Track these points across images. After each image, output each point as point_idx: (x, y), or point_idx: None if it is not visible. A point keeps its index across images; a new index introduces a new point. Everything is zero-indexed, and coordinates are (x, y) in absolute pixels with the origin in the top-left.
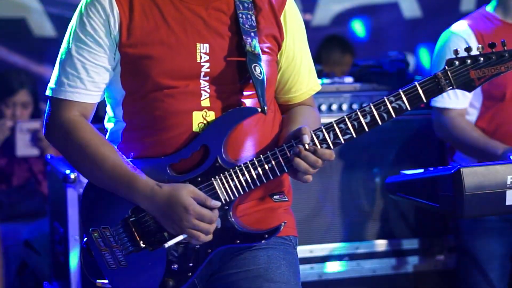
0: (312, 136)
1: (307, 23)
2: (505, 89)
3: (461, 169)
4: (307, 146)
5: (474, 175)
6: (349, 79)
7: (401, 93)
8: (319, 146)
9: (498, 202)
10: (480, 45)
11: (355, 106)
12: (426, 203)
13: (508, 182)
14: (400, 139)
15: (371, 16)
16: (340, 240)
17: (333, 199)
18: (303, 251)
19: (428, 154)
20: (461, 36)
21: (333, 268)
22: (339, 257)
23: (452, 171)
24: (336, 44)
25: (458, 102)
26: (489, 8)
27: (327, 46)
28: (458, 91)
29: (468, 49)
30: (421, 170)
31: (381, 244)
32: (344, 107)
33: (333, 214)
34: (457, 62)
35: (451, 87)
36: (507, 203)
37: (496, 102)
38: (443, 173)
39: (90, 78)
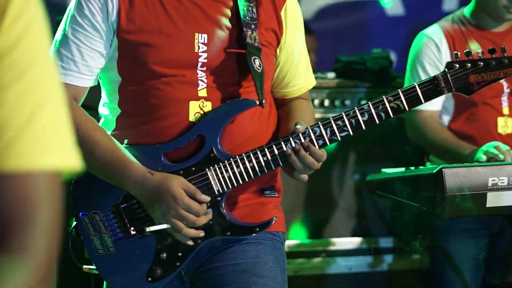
0: (309, 131)
1: None
2: (476, 95)
3: (443, 170)
4: (302, 139)
5: (455, 176)
6: (331, 75)
7: (400, 93)
8: (315, 142)
9: (478, 203)
10: (480, 50)
11: (337, 102)
12: (406, 202)
13: (489, 184)
14: (381, 137)
15: (354, 12)
16: (316, 236)
17: (311, 196)
18: None
19: (409, 153)
20: (432, 39)
21: (309, 264)
22: (315, 254)
23: (434, 171)
24: None
25: (431, 104)
26: (466, 11)
27: None
28: None
29: (468, 53)
30: (402, 169)
31: (357, 242)
32: (326, 102)
33: (310, 211)
34: (457, 65)
35: (450, 90)
36: (488, 205)
37: (469, 106)
38: (424, 173)
39: (84, 62)
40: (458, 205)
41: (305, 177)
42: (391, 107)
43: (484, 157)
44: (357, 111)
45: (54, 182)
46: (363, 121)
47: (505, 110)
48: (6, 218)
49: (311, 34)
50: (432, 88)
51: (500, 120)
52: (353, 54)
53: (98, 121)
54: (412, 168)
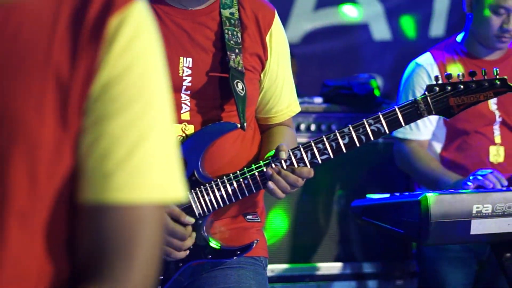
0: (290, 155)
1: None
2: (468, 123)
3: (427, 196)
4: (284, 165)
5: (440, 203)
6: (318, 100)
7: (381, 116)
8: (296, 165)
9: (463, 230)
10: (461, 73)
11: (323, 127)
12: (391, 228)
13: (474, 211)
14: (367, 163)
15: (341, 37)
16: (301, 260)
17: (297, 220)
18: None
19: (395, 179)
20: (424, 67)
21: None
22: (300, 278)
23: (419, 198)
24: None
25: (420, 133)
26: (459, 38)
27: None
28: (420, 122)
29: (448, 76)
30: (387, 195)
31: (342, 267)
32: (313, 127)
33: (295, 235)
34: (437, 88)
35: (430, 113)
36: (472, 232)
37: (460, 134)
38: (409, 199)
39: None
40: (442, 232)
41: (283, 195)
42: (371, 130)
43: (471, 185)
44: (337, 134)
45: (154, 215)
46: (344, 144)
47: (497, 139)
48: (101, 249)
49: (293, 58)
50: (412, 111)
51: (492, 149)
52: (340, 79)
53: None
54: (397, 194)
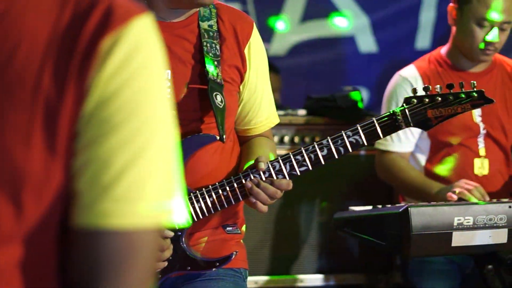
0: (268, 167)
1: None
2: (452, 135)
3: (409, 208)
4: (263, 177)
5: (421, 215)
6: (302, 112)
7: (359, 128)
8: (275, 177)
9: (444, 243)
10: (439, 85)
11: (307, 139)
12: (373, 240)
13: (455, 224)
14: (350, 175)
15: (327, 49)
16: (285, 272)
17: (280, 231)
18: (248, 282)
19: (377, 191)
20: (408, 80)
21: None
22: None
23: (400, 210)
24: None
25: (401, 145)
26: (443, 51)
27: None
28: (402, 135)
29: (426, 89)
30: (370, 207)
31: (325, 278)
32: (296, 139)
33: (279, 247)
34: (415, 101)
35: (408, 125)
36: (453, 244)
37: (445, 147)
38: (390, 211)
39: None
40: (423, 244)
41: (265, 208)
42: (350, 142)
43: (454, 197)
44: (316, 146)
45: (146, 240)
46: (322, 156)
47: (482, 151)
48: (93, 274)
49: (276, 73)
50: (390, 123)
51: (477, 162)
52: (324, 92)
53: None
54: (379, 206)
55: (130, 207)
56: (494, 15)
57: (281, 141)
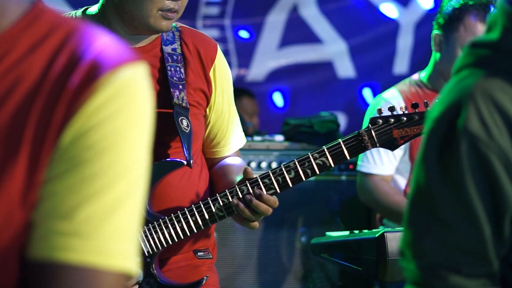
0: (236, 190)
1: (241, 78)
2: None
3: (385, 234)
4: (231, 196)
5: (398, 240)
6: (279, 138)
7: (325, 150)
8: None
9: None
10: (403, 105)
11: None
12: (349, 265)
13: None
14: (330, 199)
15: (305, 74)
16: None
17: (258, 257)
18: None
19: (356, 216)
20: (390, 102)
21: None
22: None
23: (376, 235)
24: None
25: (383, 168)
26: (423, 75)
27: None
28: (384, 157)
29: (391, 108)
30: (347, 233)
31: None
32: (274, 165)
33: (258, 272)
34: (380, 121)
35: (374, 145)
36: None
37: None
38: (367, 237)
39: None
40: (400, 269)
41: (256, 224)
42: (317, 163)
43: None
44: (283, 169)
45: (91, 277)
46: (290, 178)
47: None
48: None
49: (252, 98)
50: (356, 144)
51: None
52: (301, 117)
53: None
54: (356, 231)
55: (81, 242)
56: None
57: (258, 167)
